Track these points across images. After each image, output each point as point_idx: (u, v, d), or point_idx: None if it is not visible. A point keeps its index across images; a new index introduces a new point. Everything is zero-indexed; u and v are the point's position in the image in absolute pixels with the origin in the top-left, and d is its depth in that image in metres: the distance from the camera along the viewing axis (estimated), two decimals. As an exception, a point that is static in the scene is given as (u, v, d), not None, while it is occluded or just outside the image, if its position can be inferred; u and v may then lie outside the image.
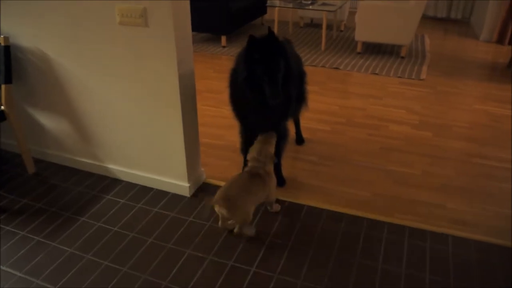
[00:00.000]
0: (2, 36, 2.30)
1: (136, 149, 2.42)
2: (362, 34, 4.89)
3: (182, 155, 2.30)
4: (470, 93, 3.95)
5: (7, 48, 2.32)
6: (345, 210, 2.31)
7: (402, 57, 4.90)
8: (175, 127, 2.23)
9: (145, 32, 2.01)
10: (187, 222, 2.22)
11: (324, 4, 5.24)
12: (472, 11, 6.61)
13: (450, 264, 1.96)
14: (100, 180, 2.58)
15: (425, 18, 6.77)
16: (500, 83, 4.19)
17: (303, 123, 3.06)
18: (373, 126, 3.28)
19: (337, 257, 1.99)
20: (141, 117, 2.29)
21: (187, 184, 2.39)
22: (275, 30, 5.36)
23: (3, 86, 2.35)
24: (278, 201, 2.34)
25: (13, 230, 2.17)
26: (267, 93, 2.02)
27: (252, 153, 2.17)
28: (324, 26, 5.11)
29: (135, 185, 2.52)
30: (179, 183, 2.41)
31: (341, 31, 6.08)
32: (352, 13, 6.77)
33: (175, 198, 2.41)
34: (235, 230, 2.10)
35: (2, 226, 2.20)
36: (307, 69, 2.63)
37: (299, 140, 3.01)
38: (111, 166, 2.57)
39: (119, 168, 2.55)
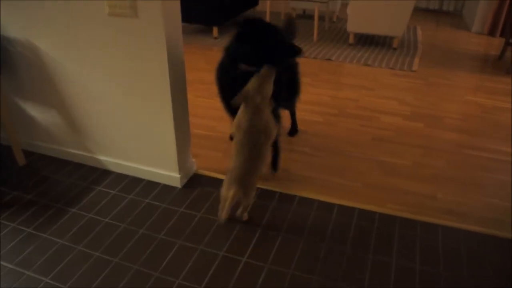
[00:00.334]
0: (-11, 25, 2.27)
1: (127, 140, 2.41)
2: (354, 25, 4.89)
3: (172, 145, 2.29)
4: (462, 85, 3.97)
5: (-5, 38, 2.29)
6: (337, 201, 2.32)
7: (394, 49, 4.91)
8: (165, 117, 2.22)
9: (135, 23, 1.99)
10: (178, 213, 2.21)
11: (316, -5, 5.22)
12: (464, 3, 6.62)
13: (440, 254, 1.98)
14: (90, 171, 2.56)
15: (417, 10, 6.78)
16: (491, 75, 4.21)
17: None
18: (365, 117, 3.29)
19: (328, 247, 2.00)
20: (131, 107, 2.27)
21: (178, 175, 2.39)
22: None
23: (-9, 77, 2.32)
24: (269, 192, 2.35)
25: (3, 222, 2.16)
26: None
27: (248, 89, 1.95)
28: (316, 17, 5.09)
29: (126, 176, 2.51)
30: (170, 174, 2.40)
31: (334, 22, 6.07)
32: (344, 4, 6.76)
33: (166, 189, 2.40)
34: (238, 212, 2.10)
35: (-9, 217, 2.19)
36: (299, 60, 2.62)
37: (293, 131, 3.01)
38: (101, 157, 2.55)
39: (109, 159, 2.54)
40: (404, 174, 2.59)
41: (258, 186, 2.37)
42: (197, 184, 2.45)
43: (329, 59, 4.58)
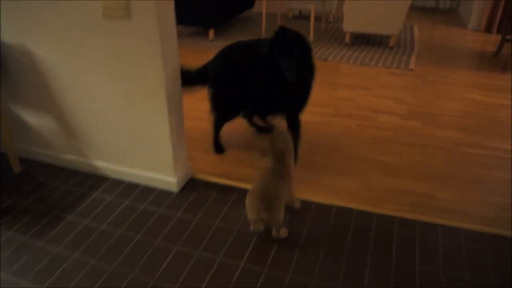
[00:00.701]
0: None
1: (122, 145, 2.39)
2: (351, 24, 4.87)
3: (168, 150, 2.28)
4: (459, 82, 3.95)
5: (-12, 45, 2.27)
6: (334, 202, 2.30)
7: (391, 48, 4.89)
8: (161, 121, 2.20)
9: (129, 25, 1.98)
10: (175, 218, 2.20)
11: (312, -5, 5.21)
12: (460, 1, 6.61)
13: (439, 253, 1.96)
14: (87, 177, 2.55)
15: (414, 9, 6.77)
16: (488, 72, 4.19)
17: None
18: (362, 117, 3.28)
19: (326, 249, 1.98)
20: (126, 112, 2.26)
21: (174, 180, 2.37)
22: (263, 23, 5.32)
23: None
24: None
25: (-2, 230, 2.15)
26: (283, 67, 2.21)
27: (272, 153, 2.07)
28: (312, 18, 5.08)
29: (122, 182, 2.49)
30: (166, 179, 2.38)
31: (330, 22, 6.06)
32: (340, 4, 6.74)
33: (163, 194, 2.39)
34: (273, 233, 2.05)
35: (-13, 226, 2.17)
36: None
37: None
38: (98, 163, 2.54)
39: (106, 165, 2.52)
40: (402, 173, 2.58)
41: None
42: (194, 188, 2.43)
43: (325, 59, 4.56)
